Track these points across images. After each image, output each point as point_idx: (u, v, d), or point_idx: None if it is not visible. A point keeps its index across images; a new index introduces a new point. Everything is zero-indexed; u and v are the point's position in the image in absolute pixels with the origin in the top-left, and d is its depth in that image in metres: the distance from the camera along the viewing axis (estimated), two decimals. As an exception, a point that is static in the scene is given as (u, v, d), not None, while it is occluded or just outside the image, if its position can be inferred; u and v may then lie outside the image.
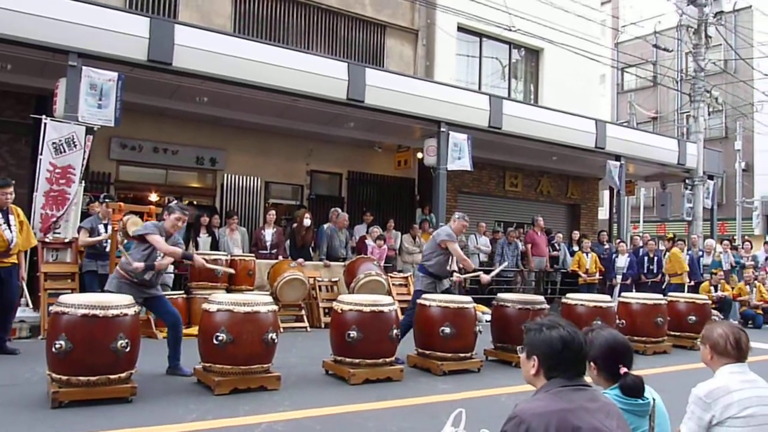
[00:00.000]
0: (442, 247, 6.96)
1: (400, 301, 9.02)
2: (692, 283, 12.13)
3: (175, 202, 7.56)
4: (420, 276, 7.18)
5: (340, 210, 11.47)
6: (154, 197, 11.74)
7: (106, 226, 8.02)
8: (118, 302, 4.65)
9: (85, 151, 8.06)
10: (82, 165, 8.12)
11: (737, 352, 2.75)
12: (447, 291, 7.06)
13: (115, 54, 8.46)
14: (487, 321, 8.27)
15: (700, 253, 13.48)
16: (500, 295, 7.39)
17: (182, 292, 8.87)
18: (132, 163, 11.64)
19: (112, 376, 4.54)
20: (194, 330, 6.68)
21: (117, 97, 8.32)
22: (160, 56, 8.75)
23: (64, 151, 7.93)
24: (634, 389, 2.38)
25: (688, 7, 15.90)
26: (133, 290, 5.42)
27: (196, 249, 9.81)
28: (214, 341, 4.98)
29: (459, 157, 11.53)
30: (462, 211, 7.56)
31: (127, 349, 4.55)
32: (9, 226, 6.11)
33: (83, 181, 8.30)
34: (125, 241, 7.91)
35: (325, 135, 12.57)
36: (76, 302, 4.54)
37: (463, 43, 15.22)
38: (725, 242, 14.49)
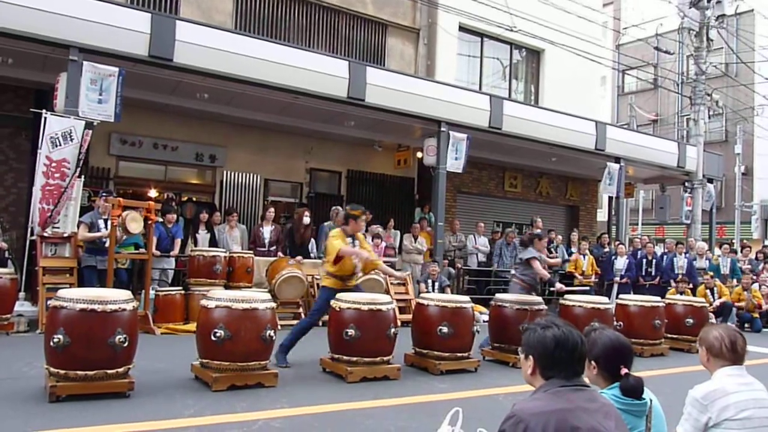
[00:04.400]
0: None
1: (398, 300, 9.03)
2: (690, 286, 12.13)
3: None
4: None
5: (340, 208, 11.45)
6: (153, 193, 11.73)
7: (105, 221, 8.01)
8: (116, 297, 4.65)
9: (81, 146, 8.03)
10: (79, 159, 8.08)
11: (733, 355, 2.76)
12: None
13: (116, 49, 8.45)
14: (484, 321, 8.28)
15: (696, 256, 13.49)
16: (498, 296, 7.40)
17: (180, 288, 8.87)
18: (132, 158, 11.62)
19: (109, 371, 4.55)
20: (192, 326, 6.69)
21: (117, 92, 8.30)
22: (161, 52, 8.74)
23: (60, 145, 7.90)
24: (634, 390, 2.39)
25: (690, 10, 15.93)
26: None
27: (195, 245, 9.82)
28: (212, 338, 4.97)
29: (456, 158, 11.54)
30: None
31: (125, 344, 4.55)
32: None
33: (83, 176, 8.27)
34: (124, 237, 7.91)
35: (325, 133, 12.57)
36: (75, 297, 4.53)
37: (464, 43, 15.21)
38: (724, 246, 14.48)
